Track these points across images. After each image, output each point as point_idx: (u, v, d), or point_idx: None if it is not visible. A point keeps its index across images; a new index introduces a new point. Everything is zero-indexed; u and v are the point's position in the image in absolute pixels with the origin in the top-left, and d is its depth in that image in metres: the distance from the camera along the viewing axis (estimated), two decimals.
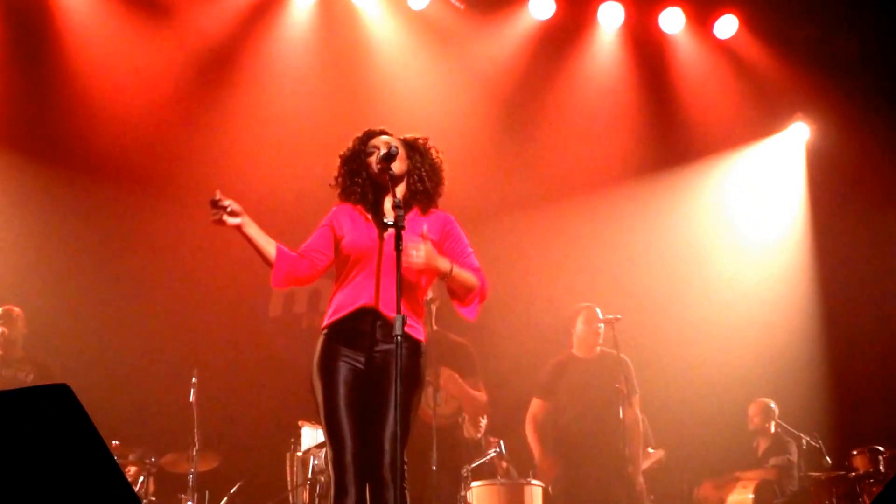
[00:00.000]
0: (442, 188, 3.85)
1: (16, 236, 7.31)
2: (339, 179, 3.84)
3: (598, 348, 6.26)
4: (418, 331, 3.72)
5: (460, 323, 6.12)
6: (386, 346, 3.56)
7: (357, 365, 3.61)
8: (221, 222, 3.56)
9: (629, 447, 5.98)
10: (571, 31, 8.02)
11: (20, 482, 2.26)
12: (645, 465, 6.55)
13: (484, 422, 5.93)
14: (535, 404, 6.28)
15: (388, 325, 3.53)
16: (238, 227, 3.60)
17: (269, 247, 3.69)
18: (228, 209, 3.54)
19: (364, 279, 3.65)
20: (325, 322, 3.70)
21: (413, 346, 3.66)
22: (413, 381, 3.63)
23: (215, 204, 3.54)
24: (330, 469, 3.55)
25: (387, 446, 3.45)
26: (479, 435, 5.96)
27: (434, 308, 5.54)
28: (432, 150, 3.86)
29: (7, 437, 2.26)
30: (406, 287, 3.57)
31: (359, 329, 3.62)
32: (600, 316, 6.21)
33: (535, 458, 6.25)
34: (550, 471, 6.13)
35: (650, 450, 6.91)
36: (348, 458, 3.49)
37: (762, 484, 7.15)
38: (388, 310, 3.55)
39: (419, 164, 3.80)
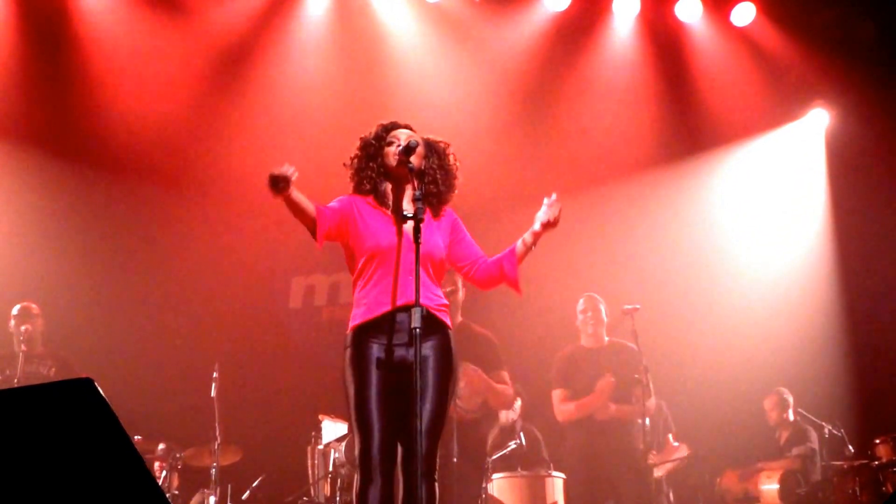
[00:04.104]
0: (452, 195, 3.87)
1: (35, 233, 7.36)
2: (355, 161, 3.85)
3: (606, 338, 6.23)
4: (450, 317, 3.78)
5: (484, 314, 6.17)
6: (422, 342, 3.53)
7: (389, 360, 3.61)
8: (280, 190, 3.48)
9: (646, 436, 5.98)
10: (587, 21, 7.99)
11: (45, 476, 2.28)
12: (668, 463, 6.54)
13: (517, 405, 5.92)
14: (558, 395, 6.25)
15: (423, 318, 3.49)
16: (287, 195, 3.54)
17: (308, 206, 3.65)
18: (293, 176, 3.47)
19: (390, 276, 3.65)
20: (356, 322, 3.69)
21: (447, 336, 3.71)
22: (449, 371, 3.69)
23: (282, 176, 3.45)
24: (356, 458, 3.58)
25: (422, 438, 3.45)
26: (514, 418, 5.97)
27: (461, 297, 5.52)
28: (451, 156, 3.87)
29: (32, 431, 2.28)
30: (434, 275, 3.68)
31: (389, 325, 3.63)
32: (600, 303, 6.21)
33: (587, 406, 6.11)
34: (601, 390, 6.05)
35: (674, 442, 6.88)
36: (375, 449, 3.53)
37: (787, 474, 7.12)
38: (418, 304, 3.53)
39: (435, 166, 3.81)
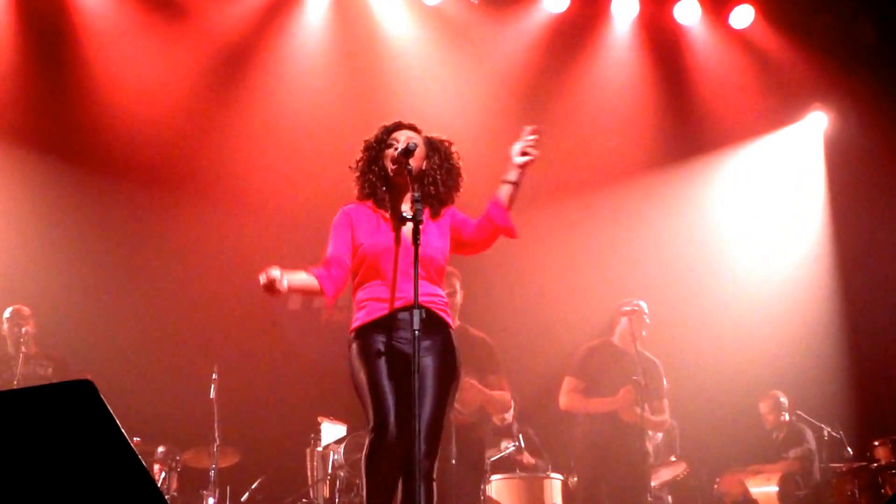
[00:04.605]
0: (456, 194, 3.84)
1: (33, 235, 7.36)
2: (359, 164, 3.83)
3: (638, 345, 6.20)
4: (451, 317, 3.77)
5: (481, 317, 6.17)
6: (423, 341, 3.51)
7: (394, 358, 3.60)
8: (275, 293, 3.54)
9: (651, 445, 5.99)
10: (586, 24, 8.00)
11: (45, 478, 2.28)
12: (666, 477, 6.53)
13: (511, 411, 5.94)
14: (570, 382, 6.19)
15: (423, 319, 3.47)
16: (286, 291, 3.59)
17: (309, 280, 3.69)
18: (277, 286, 3.51)
19: (388, 278, 3.64)
20: (357, 324, 3.69)
21: (449, 335, 3.70)
22: (450, 372, 3.67)
23: (271, 285, 3.51)
24: (370, 431, 3.54)
25: (422, 438, 3.43)
26: (509, 422, 5.98)
27: (459, 300, 5.53)
28: (454, 155, 3.83)
29: (31, 433, 2.28)
30: (434, 277, 3.66)
31: (391, 327, 3.62)
32: (646, 310, 6.20)
33: (598, 407, 6.09)
34: (623, 397, 6.01)
35: (672, 458, 6.89)
36: (391, 421, 3.48)
37: (785, 476, 7.13)
38: (419, 304, 3.51)
39: (436, 166, 3.78)
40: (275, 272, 3.50)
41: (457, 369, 3.73)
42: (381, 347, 3.60)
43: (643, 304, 6.25)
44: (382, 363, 3.58)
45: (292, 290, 3.60)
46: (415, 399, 3.37)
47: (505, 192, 3.75)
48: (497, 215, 3.74)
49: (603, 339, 6.32)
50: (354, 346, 3.67)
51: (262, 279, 3.49)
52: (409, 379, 3.45)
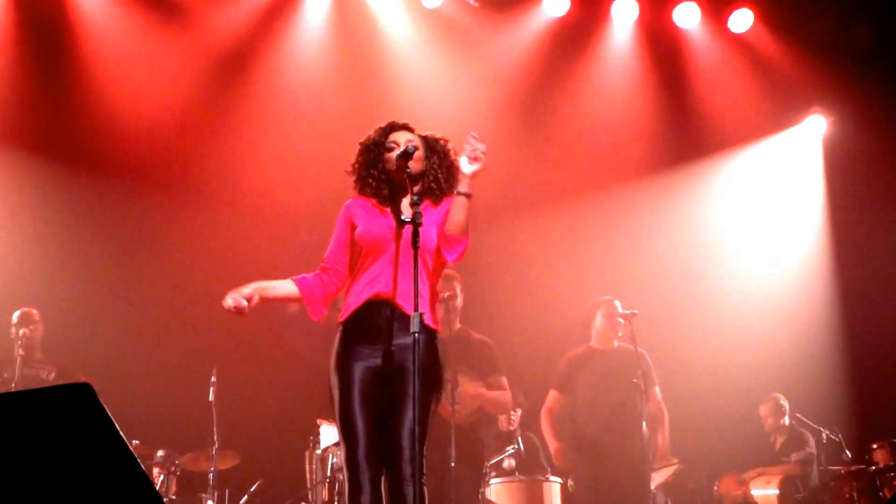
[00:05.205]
0: (456, 187, 3.80)
1: (35, 238, 7.36)
2: (356, 167, 3.82)
3: (616, 342, 6.24)
4: (434, 320, 3.69)
5: (483, 320, 6.17)
6: (403, 341, 3.50)
7: (374, 361, 3.56)
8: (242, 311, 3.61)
9: (650, 440, 5.98)
10: (586, 27, 8.02)
11: (43, 480, 2.28)
12: (661, 476, 6.54)
13: (516, 415, 5.95)
14: (552, 397, 6.28)
15: (404, 318, 3.49)
16: (261, 300, 3.64)
17: (289, 287, 3.72)
18: (245, 304, 3.59)
19: (378, 270, 3.63)
20: (342, 317, 3.68)
21: (430, 337, 3.61)
22: (432, 376, 3.60)
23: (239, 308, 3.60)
24: (344, 467, 3.54)
25: (405, 442, 3.43)
26: (513, 428, 6.00)
27: (460, 303, 5.52)
28: (451, 152, 3.81)
29: (29, 436, 2.28)
30: (424, 278, 3.59)
31: (375, 323, 3.59)
32: (620, 310, 6.20)
33: (550, 447, 6.24)
34: (564, 456, 6.13)
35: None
36: (361, 456, 3.48)
37: (786, 479, 7.13)
38: (404, 302, 3.53)
39: (436, 165, 3.76)
40: (246, 295, 3.59)
41: (440, 370, 3.66)
42: (360, 361, 3.57)
43: (617, 303, 6.24)
44: (356, 388, 3.54)
45: (268, 301, 3.67)
46: (415, 401, 3.35)
47: (454, 205, 3.62)
48: (448, 226, 3.61)
49: (583, 346, 6.32)
50: (334, 354, 3.64)
51: (228, 302, 3.59)
52: (387, 388, 3.49)
